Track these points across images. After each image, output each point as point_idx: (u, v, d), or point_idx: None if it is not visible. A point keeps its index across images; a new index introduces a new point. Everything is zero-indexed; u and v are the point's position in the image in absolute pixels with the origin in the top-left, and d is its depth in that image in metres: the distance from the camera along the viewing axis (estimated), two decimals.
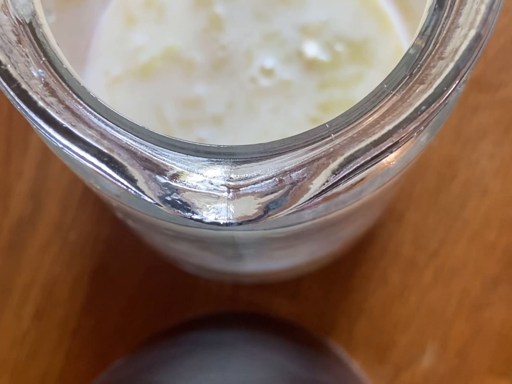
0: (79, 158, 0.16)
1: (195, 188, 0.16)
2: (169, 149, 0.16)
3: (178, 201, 0.16)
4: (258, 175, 0.16)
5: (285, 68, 0.28)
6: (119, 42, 0.28)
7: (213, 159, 0.16)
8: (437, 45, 0.16)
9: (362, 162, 0.16)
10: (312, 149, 0.16)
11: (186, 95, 0.28)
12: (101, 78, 0.28)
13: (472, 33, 0.16)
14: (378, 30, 0.28)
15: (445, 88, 0.16)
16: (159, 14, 0.28)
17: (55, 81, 0.16)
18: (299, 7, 0.28)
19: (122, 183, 0.16)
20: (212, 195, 0.16)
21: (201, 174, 0.16)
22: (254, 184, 0.16)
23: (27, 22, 0.17)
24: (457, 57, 0.16)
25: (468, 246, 0.35)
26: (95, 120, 0.16)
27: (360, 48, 0.28)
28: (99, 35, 0.29)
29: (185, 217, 0.16)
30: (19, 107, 0.16)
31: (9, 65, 0.16)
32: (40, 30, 0.17)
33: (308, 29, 0.28)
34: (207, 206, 0.16)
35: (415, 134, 0.16)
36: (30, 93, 0.16)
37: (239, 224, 0.16)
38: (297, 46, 0.28)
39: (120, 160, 0.16)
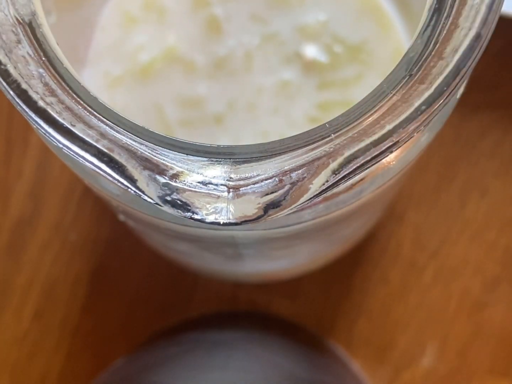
0: (79, 158, 0.16)
1: (195, 188, 0.16)
2: (169, 149, 0.16)
3: (178, 201, 0.16)
4: (258, 175, 0.16)
5: (284, 69, 0.28)
6: (119, 43, 0.28)
7: (213, 159, 0.16)
8: (437, 45, 0.16)
9: (362, 162, 0.16)
10: (312, 149, 0.16)
11: (187, 95, 0.28)
12: (101, 78, 0.28)
13: (472, 33, 0.16)
14: (378, 30, 0.28)
15: (445, 88, 0.16)
16: (158, 15, 0.28)
17: (55, 81, 0.16)
18: (298, 8, 0.28)
19: (122, 183, 0.16)
20: (212, 195, 0.16)
21: (201, 174, 0.16)
22: (254, 184, 0.16)
23: (27, 22, 0.17)
24: (457, 57, 0.16)
25: (468, 246, 0.35)
26: (95, 120, 0.16)
27: (359, 49, 0.28)
28: (99, 35, 0.29)
29: (185, 217, 0.16)
30: (19, 107, 0.16)
31: (9, 65, 0.16)
32: (40, 30, 0.17)
33: (307, 30, 0.28)
34: (207, 206, 0.16)
35: (415, 134, 0.16)
36: (30, 93, 0.16)
37: (239, 224, 0.16)
38: (296, 48, 0.28)
39: (120, 160, 0.16)
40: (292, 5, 0.28)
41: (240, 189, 0.16)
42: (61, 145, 0.16)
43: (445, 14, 0.16)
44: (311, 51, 0.28)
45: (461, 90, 0.20)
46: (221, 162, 0.16)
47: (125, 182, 0.16)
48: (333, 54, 0.28)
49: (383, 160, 0.16)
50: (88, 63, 0.28)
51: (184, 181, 0.16)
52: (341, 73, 0.28)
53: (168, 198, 0.16)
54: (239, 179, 0.16)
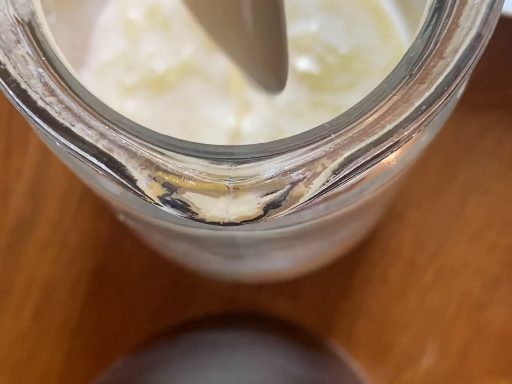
0: (78, 158, 0.16)
1: (195, 188, 0.16)
2: (169, 149, 0.16)
3: (178, 201, 0.16)
4: (258, 175, 0.16)
5: None
6: (128, 52, 0.28)
7: (213, 159, 0.16)
8: (438, 45, 0.16)
9: (363, 162, 0.16)
10: (312, 149, 0.16)
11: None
12: (113, 88, 0.28)
13: (473, 32, 0.16)
14: (378, 34, 0.28)
15: (445, 88, 0.16)
16: (163, 25, 0.28)
17: (54, 81, 0.16)
18: (290, 19, 0.28)
19: (122, 183, 0.16)
20: (212, 195, 0.16)
21: (201, 174, 0.16)
22: (254, 184, 0.16)
23: (27, 21, 0.17)
24: (457, 57, 0.16)
25: (469, 246, 0.35)
26: (95, 120, 0.16)
27: (360, 51, 0.28)
28: (100, 40, 0.28)
29: (185, 217, 0.16)
30: (18, 107, 0.16)
31: (8, 65, 0.16)
32: (40, 29, 0.17)
33: (299, 42, 0.28)
34: (207, 206, 0.16)
35: (415, 133, 0.16)
36: (29, 92, 0.16)
37: (239, 224, 0.16)
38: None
39: (119, 160, 0.16)
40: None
41: (240, 189, 0.16)
42: (60, 145, 0.16)
43: (446, 14, 0.16)
44: (303, 63, 0.28)
45: (461, 90, 0.20)
46: (221, 162, 0.16)
47: (125, 182, 0.16)
48: (326, 64, 0.28)
49: (383, 160, 0.16)
50: (87, 63, 0.28)
51: (184, 181, 0.16)
52: (338, 80, 0.28)
53: (168, 198, 0.16)
54: (239, 179, 0.16)
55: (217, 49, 0.22)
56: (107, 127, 0.16)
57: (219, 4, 0.20)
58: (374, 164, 0.16)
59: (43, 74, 0.16)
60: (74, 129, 0.16)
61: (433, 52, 0.16)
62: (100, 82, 0.28)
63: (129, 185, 0.16)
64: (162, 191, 0.16)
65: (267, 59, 0.22)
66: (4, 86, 0.16)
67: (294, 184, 0.16)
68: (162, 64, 0.28)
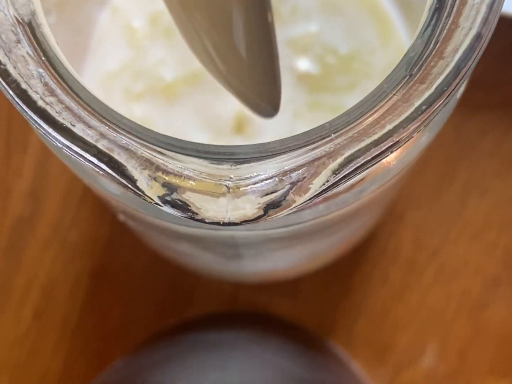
0: (79, 158, 0.16)
1: (195, 188, 0.16)
2: (169, 149, 0.16)
3: (178, 201, 0.16)
4: (258, 175, 0.16)
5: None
6: (135, 61, 0.28)
7: (213, 159, 0.16)
8: (438, 45, 0.16)
9: (363, 162, 0.16)
10: (312, 149, 0.16)
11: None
12: (120, 95, 0.28)
13: (473, 32, 0.16)
14: (379, 32, 0.28)
15: (445, 88, 0.16)
16: (166, 34, 0.28)
17: (54, 81, 0.16)
18: (290, 20, 0.28)
19: (122, 183, 0.16)
20: (212, 195, 0.16)
21: (201, 174, 0.16)
22: (254, 184, 0.16)
23: (27, 21, 0.17)
24: (457, 57, 0.16)
25: (469, 246, 0.35)
26: (95, 120, 0.16)
27: (360, 52, 0.28)
28: (100, 44, 0.28)
29: (185, 217, 0.16)
30: (18, 107, 0.16)
31: (8, 65, 0.16)
32: (40, 29, 0.17)
33: (299, 43, 0.28)
34: (207, 206, 0.16)
35: (415, 133, 0.16)
36: (30, 92, 0.16)
37: (239, 224, 0.16)
38: (288, 62, 0.28)
39: (119, 160, 0.16)
40: (284, 17, 0.28)
41: (240, 189, 0.16)
42: (60, 145, 0.16)
43: (446, 14, 0.16)
44: (303, 64, 0.28)
45: (461, 90, 0.20)
46: (221, 162, 0.16)
47: (125, 182, 0.16)
48: (326, 65, 0.28)
49: (383, 160, 0.16)
50: (87, 64, 0.28)
51: (184, 181, 0.16)
52: (338, 82, 0.28)
53: (168, 198, 0.16)
54: (239, 179, 0.16)
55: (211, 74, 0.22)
56: (107, 127, 0.16)
57: (213, 31, 0.20)
58: (374, 164, 0.16)
59: (43, 74, 0.16)
60: (74, 129, 0.16)
61: (433, 52, 0.16)
62: (105, 92, 0.28)
63: (129, 185, 0.16)
64: (162, 191, 0.16)
65: (260, 86, 0.22)
66: (4, 86, 0.16)
67: (294, 184, 0.16)
68: (168, 73, 0.28)
